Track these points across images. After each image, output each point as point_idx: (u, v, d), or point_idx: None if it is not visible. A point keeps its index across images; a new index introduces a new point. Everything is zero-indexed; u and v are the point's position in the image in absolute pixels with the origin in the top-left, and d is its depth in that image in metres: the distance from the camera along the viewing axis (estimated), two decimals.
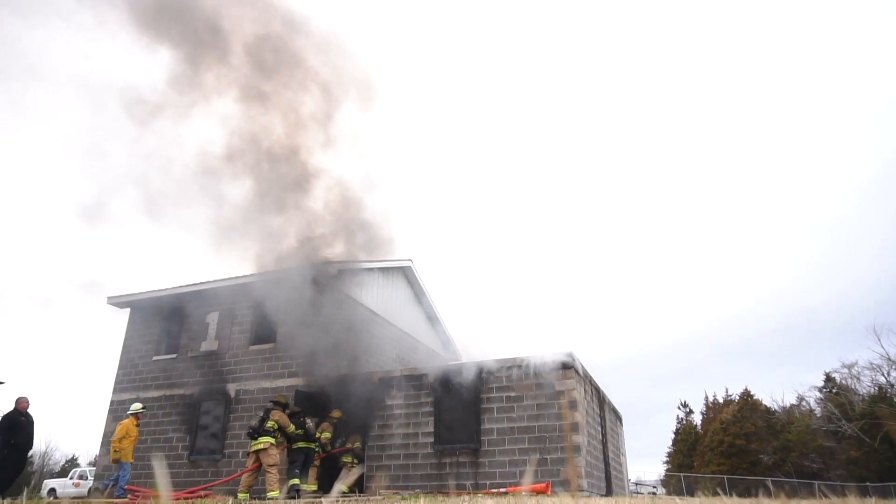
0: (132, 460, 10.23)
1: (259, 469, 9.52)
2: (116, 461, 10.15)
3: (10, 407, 9.43)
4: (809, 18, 76.17)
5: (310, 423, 10.44)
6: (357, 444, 11.49)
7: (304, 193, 13.10)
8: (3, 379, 9.24)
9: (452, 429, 11.28)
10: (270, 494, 9.02)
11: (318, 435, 10.85)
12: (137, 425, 10.44)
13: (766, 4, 72.52)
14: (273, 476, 9.28)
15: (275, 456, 9.46)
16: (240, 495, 9.33)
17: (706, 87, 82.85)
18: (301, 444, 10.24)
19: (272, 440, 9.52)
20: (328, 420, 11.44)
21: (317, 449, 10.76)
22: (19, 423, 9.70)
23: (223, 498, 9.17)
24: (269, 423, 9.59)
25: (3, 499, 8.78)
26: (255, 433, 9.52)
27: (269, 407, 10.00)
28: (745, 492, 24.84)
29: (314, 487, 10.42)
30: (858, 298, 61.09)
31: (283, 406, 10.09)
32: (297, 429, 10.14)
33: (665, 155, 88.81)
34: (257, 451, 9.45)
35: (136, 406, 10.66)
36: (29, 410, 9.61)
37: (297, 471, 9.98)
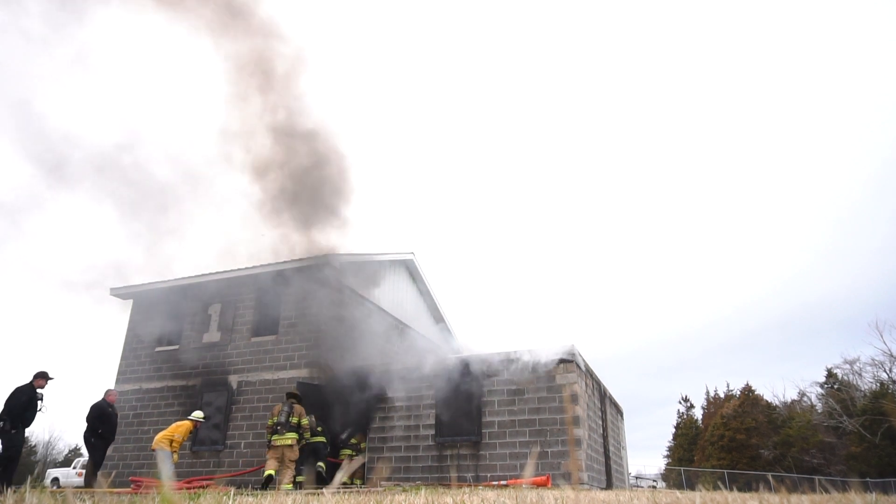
0: (167, 448, 9.89)
1: (282, 461, 9.73)
2: (153, 450, 10.18)
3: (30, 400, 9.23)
4: (814, 12, 75.60)
5: (312, 418, 10.67)
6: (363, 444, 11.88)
7: (305, 186, 13.09)
8: (53, 375, 9.37)
9: (453, 421, 11.31)
10: (285, 486, 9.21)
11: (354, 441, 11.65)
12: (190, 431, 10.20)
13: (770, 0, 71.98)
14: (291, 471, 9.58)
15: (297, 452, 9.74)
16: (285, 486, 9.45)
17: (710, 81, 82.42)
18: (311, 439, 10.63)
19: (297, 436, 9.75)
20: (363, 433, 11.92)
21: (352, 454, 11.53)
22: (107, 413, 9.98)
23: (225, 488, 9.22)
24: (295, 420, 9.80)
25: (8, 488, 8.89)
26: (284, 429, 9.69)
27: (292, 402, 10.11)
28: (746, 486, 24.91)
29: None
30: (861, 294, 61.00)
31: (299, 399, 10.28)
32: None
33: (667, 150, 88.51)
34: (283, 447, 9.62)
35: (198, 414, 10.52)
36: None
37: (301, 466, 10.23)
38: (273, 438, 9.67)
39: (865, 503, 3.18)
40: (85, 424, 10.08)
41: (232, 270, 14.12)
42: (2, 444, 8.64)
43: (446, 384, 11.59)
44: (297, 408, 9.97)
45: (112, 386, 14.73)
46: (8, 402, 8.65)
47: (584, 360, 11.75)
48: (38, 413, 8.88)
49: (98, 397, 10.48)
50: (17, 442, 8.71)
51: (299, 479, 10.41)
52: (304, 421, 9.91)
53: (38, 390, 8.96)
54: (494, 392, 11.18)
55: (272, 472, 9.42)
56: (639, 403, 67.36)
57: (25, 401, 8.68)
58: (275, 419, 9.82)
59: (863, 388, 31.82)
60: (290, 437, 9.64)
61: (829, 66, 76.32)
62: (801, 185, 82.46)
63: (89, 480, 9.84)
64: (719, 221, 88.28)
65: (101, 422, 9.89)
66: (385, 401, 12.03)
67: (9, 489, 7.94)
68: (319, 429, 11.24)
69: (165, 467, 9.79)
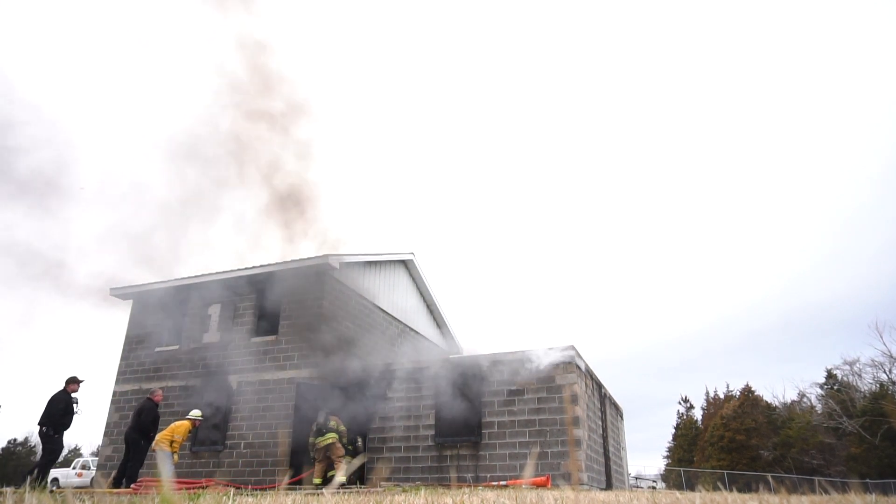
0: (167, 449, 10.01)
1: (328, 461, 10.33)
2: (153, 450, 10.29)
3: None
4: (820, 14, 75.62)
5: (359, 442, 11.26)
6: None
7: (306, 186, 13.10)
8: (82, 378, 9.84)
9: (453, 422, 11.30)
10: (338, 479, 9.74)
11: (332, 424, 11.39)
12: (189, 431, 10.35)
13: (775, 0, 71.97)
14: (342, 465, 10.09)
15: (341, 448, 10.21)
16: (315, 480, 10.18)
17: (713, 82, 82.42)
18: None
19: (336, 436, 10.27)
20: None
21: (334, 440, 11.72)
22: (158, 415, 10.31)
23: (223, 489, 9.21)
24: (333, 423, 10.38)
25: (9, 487, 8.96)
26: (322, 430, 10.26)
27: (327, 412, 10.68)
28: (746, 487, 24.90)
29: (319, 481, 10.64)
30: (861, 296, 61.03)
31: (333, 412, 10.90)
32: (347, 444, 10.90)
33: (669, 152, 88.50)
34: (326, 446, 10.20)
35: (196, 413, 10.68)
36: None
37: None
38: (317, 440, 10.25)
39: None
40: (119, 426, 10.25)
41: (232, 270, 14.11)
42: (43, 447, 9.30)
43: (446, 384, 11.59)
44: (333, 416, 10.61)
45: (112, 386, 14.73)
46: (47, 410, 9.24)
47: (583, 361, 11.75)
48: (74, 417, 9.50)
49: (104, 398, 10.54)
50: (59, 446, 9.37)
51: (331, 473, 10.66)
52: (342, 427, 10.51)
53: (73, 395, 9.58)
54: (494, 392, 11.18)
55: (319, 480, 10.07)
56: (639, 405, 67.42)
57: (63, 407, 9.28)
58: (314, 427, 10.38)
59: (862, 389, 31.81)
60: (330, 437, 10.19)
61: (832, 69, 76.32)
62: (802, 187, 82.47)
63: (120, 482, 9.83)
64: (720, 224, 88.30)
65: (154, 424, 10.13)
66: (385, 401, 12.02)
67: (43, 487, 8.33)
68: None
69: (166, 468, 9.82)
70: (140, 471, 10.14)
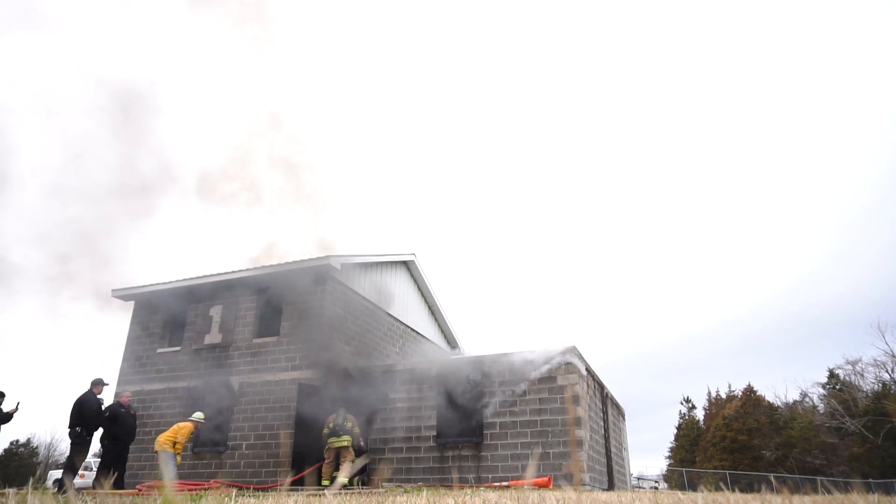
0: (170, 450, 10.02)
1: (337, 461, 10.48)
2: (156, 452, 10.36)
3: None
4: (823, 16, 75.53)
5: (361, 443, 11.34)
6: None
7: (307, 187, 13.12)
8: (107, 381, 10.31)
9: (455, 422, 11.30)
10: (341, 479, 9.87)
11: (349, 425, 11.58)
12: (191, 432, 10.38)
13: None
14: (349, 467, 10.24)
15: (353, 453, 10.38)
16: (324, 482, 10.31)
17: (717, 84, 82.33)
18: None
19: (351, 439, 10.41)
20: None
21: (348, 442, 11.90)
22: (119, 414, 10.42)
23: (226, 490, 9.21)
24: (349, 424, 10.53)
25: (12, 489, 9.04)
26: (341, 431, 10.40)
27: (345, 410, 10.80)
28: (748, 487, 24.86)
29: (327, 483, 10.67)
30: (863, 295, 60.87)
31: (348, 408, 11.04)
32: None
33: (671, 155, 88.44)
34: (339, 448, 10.35)
35: (199, 415, 10.76)
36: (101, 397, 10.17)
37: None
38: (331, 440, 10.37)
39: None
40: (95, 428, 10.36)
41: (233, 272, 14.12)
42: (73, 446, 9.61)
43: (448, 385, 11.59)
44: (350, 416, 10.69)
45: (114, 387, 14.75)
46: (81, 412, 9.57)
47: (585, 362, 11.74)
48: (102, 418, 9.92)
49: (106, 400, 10.57)
50: (89, 446, 9.77)
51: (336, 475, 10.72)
52: (357, 429, 10.64)
53: (98, 396, 9.92)
54: (496, 393, 11.18)
55: (328, 482, 10.21)
56: (642, 405, 67.36)
57: (96, 409, 9.75)
58: (332, 425, 10.50)
59: (865, 389, 31.77)
60: (345, 439, 10.32)
61: (835, 71, 76.24)
62: (805, 189, 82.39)
63: (100, 482, 9.97)
64: (723, 225, 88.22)
65: (112, 422, 10.19)
66: (386, 402, 12.02)
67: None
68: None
69: (168, 469, 9.85)
70: (125, 470, 10.38)
